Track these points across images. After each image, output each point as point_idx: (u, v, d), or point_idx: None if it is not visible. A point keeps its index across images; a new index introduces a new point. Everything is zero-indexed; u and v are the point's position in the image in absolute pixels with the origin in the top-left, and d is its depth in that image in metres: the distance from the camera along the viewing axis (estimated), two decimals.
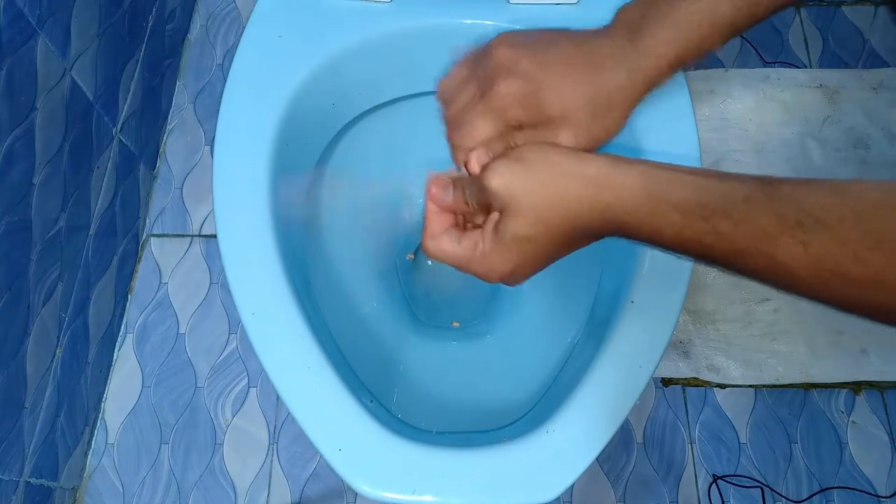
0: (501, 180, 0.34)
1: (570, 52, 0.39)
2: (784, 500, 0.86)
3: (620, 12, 0.41)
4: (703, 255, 0.30)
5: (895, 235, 0.24)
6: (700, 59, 0.38)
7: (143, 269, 0.97)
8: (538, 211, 0.33)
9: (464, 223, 0.40)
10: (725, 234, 0.28)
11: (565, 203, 0.33)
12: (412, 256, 0.82)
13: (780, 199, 0.27)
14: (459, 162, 0.41)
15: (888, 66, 1.09)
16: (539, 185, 0.33)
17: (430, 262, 0.89)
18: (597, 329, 0.51)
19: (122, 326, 0.94)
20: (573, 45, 0.40)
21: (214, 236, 0.93)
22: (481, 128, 0.40)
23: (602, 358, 0.47)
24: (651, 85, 0.38)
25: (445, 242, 0.37)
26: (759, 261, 0.28)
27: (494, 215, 0.35)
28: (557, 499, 0.44)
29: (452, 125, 0.42)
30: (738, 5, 0.36)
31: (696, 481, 0.87)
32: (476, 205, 0.36)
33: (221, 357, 0.92)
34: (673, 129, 0.54)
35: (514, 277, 0.37)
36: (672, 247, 0.31)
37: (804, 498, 0.86)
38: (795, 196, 0.27)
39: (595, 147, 0.39)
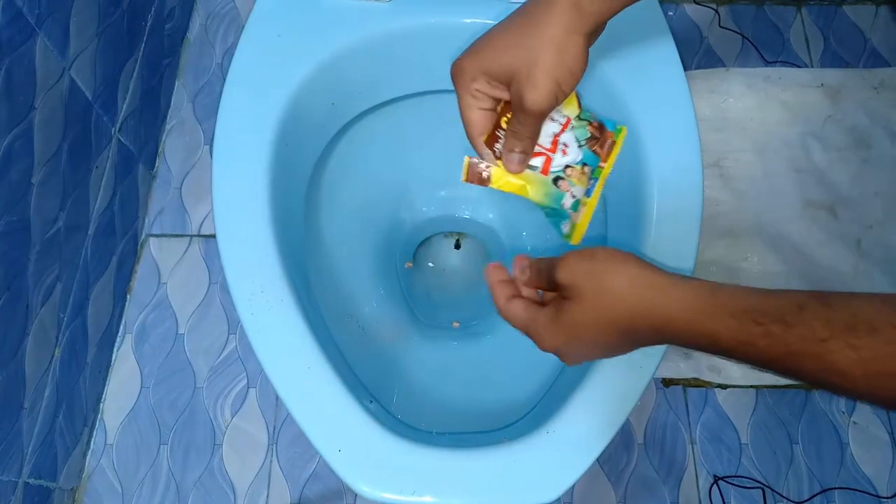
0: (569, 274, 0.37)
1: (507, 19, 0.41)
2: (785, 500, 0.86)
3: None
4: (758, 357, 0.32)
5: None
6: None
7: (141, 269, 0.97)
8: (598, 305, 0.36)
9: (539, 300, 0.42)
10: (778, 337, 0.30)
11: (625, 303, 0.35)
12: (410, 265, 0.82)
13: (832, 306, 0.30)
14: (484, 156, 0.44)
15: (889, 65, 1.09)
16: (604, 283, 0.36)
17: (430, 264, 0.88)
18: None
19: (121, 327, 0.94)
20: (511, 15, 0.41)
21: (214, 236, 0.93)
22: (465, 114, 0.42)
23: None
24: (579, 7, 0.38)
25: (516, 308, 0.40)
26: (810, 362, 0.30)
27: (559, 297, 0.38)
28: (558, 499, 0.43)
29: None
30: None
31: (697, 482, 0.87)
32: (546, 287, 0.40)
33: (220, 357, 0.92)
34: (673, 128, 0.54)
35: (562, 356, 0.40)
36: (728, 350, 0.33)
37: (805, 499, 0.86)
38: (847, 303, 0.29)
39: (564, 87, 0.39)
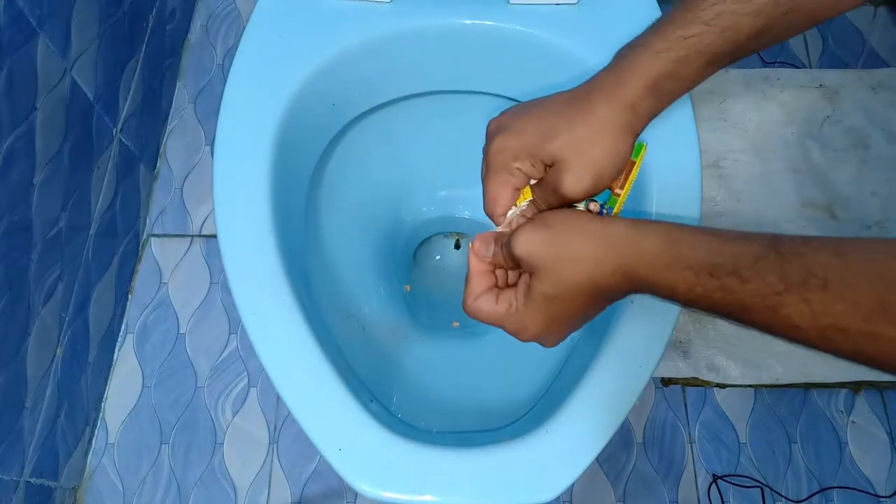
0: (526, 246, 0.36)
1: (557, 98, 0.42)
2: (784, 499, 0.86)
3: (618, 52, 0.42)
4: (713, 308, 0.33)
5: (893, 300, 0.27)
6: (685, 83, 0.40)
7: (143, 269, 0.97)
8: (562, 272, 0.35)
9: (505, 282, 0.41)
10: (733, 290, 0.31)
11: (588, 263, 0.35)
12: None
13: (787, 258, 0.30)
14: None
15: (888, 65, 1.09)
16: (563, 249, 0.35)
17: (437, 257, 0.89)
18: (596, 329, 0.51)
19: (123, 326, 0.94)
20: (562, 94, 0.42)
21: (215, 236, 0.94)
22: (495, 190, 0.41)
23: (602, 358, 0.47)
24: (635, 108, 0.39)
25: (483, 303, 0.39)
26: (764, 315, 0.30)
27: (526, 276, 0.37)
28: (557, 499, 0.44)
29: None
30: (713, 30, 0.38)
31: (696, 481, 0.87)
32: (511, 263, 0.38)
33: (222, 357, 0.92)
34: (672, 128, 0.54)
35: (546, 337, 0.39)
36: (685, 301, 0.33)
37: (804, 498, 0.86)
38: (801, 255, 0.29)
39: (605, 180, 0.40)
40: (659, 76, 0.39)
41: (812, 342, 0.30)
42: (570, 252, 0.35)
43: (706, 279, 0.31)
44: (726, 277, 0.31)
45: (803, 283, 0.29)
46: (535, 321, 0.38)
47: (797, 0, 0.37)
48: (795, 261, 0.29)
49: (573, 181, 0.39)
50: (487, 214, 0.43)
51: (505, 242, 0.38)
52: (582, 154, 0.39)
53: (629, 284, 0.35)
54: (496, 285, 0.41)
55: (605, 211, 0.42)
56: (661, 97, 0.40)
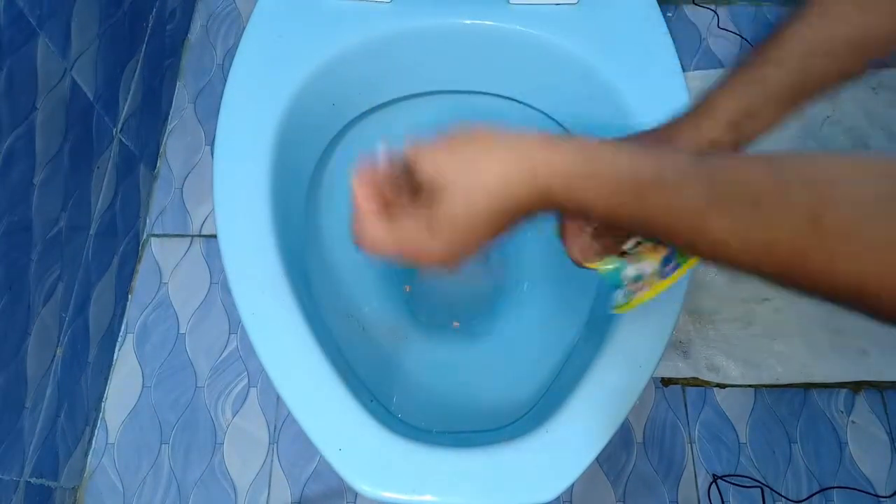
0: (432, 160, 0.33)
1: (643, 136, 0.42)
2: (784, 499, 0.86)
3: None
4: (635, 226, 0.31)
5: (826, 218, 0.24)
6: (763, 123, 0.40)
7: (143, 268, 0.97)
8: (471, 186, 0.32)
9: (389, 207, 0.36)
10: (657, 207, 0.29)
11: (498, 177, 0.32)
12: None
13: (713, 174, 0.28)
14: None
15: (887, 66, 1.09)
16: (470, 162, 0.32)
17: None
18: (596, 329, 0.51)
19: (123, 326, 0.94)
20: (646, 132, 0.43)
21: (215, 236, 0.94)
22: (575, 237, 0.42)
23: (602, 358, 0.48)
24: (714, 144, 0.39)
25: (375, 230, 0.34)
26: (690, 234, 0.28)
27: (427, 196, 0.33)
28: (557, 498, 0.44)
29: None
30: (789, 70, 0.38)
31: (696, 481, 0.87)
32: (405, 184, 0.35)
33: (222, 357, 0.92)
34: None
35: (452, 259, 0.35)
36: (605, 220, 0.31)
37: (804, 498, 0.86)
38: (729, 171, 0.27)
39: None
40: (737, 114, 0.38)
41: (742, 263, 0.27)
42: (479, 167, 0.32)
43: (628, 197, 0.29)
44: (649, 194, 0.29)
45: (729, 198, 0.27)
46: (441, 245, 0.33)
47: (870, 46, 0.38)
48: (722, 176, 0.27)
49: None
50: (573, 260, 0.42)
51: (403, 163, 0.35)
52: None
53: (542, 200, 0.32)
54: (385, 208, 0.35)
55: (673, 263, 0.40)
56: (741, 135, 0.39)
